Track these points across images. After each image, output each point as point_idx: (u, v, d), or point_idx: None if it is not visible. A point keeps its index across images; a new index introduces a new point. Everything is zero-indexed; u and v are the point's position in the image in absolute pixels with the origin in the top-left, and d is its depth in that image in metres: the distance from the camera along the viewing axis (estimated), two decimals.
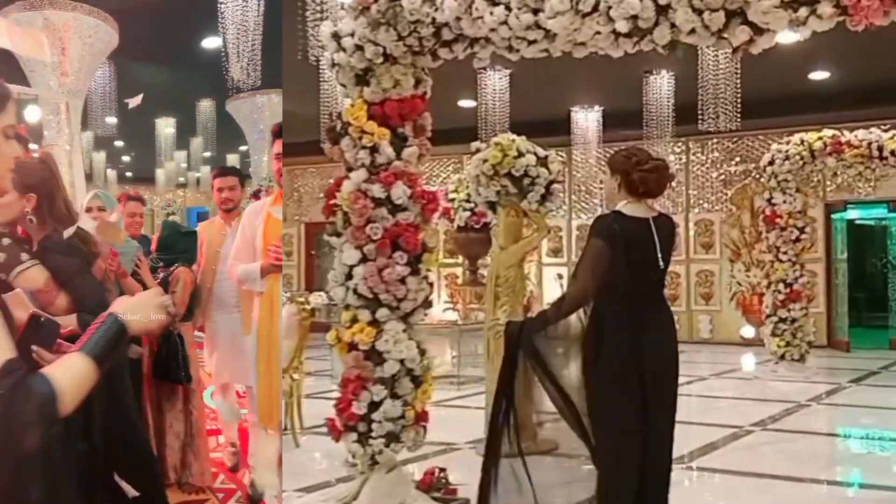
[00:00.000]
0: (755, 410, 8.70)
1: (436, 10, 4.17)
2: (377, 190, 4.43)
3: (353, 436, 4.60)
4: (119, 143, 21.16)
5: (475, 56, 4.44)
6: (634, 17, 4.00)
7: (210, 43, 12.97)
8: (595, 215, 11.16)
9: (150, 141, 19.34)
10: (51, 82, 12.60)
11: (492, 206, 6.98)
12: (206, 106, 17.17)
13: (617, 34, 4.11)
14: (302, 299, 6.63)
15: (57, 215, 3.56)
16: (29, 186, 3.53)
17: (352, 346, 4.54)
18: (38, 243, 3.51)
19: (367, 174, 4.45)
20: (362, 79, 4.41)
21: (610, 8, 4.00)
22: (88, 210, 4.57)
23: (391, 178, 4.44)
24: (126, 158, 23.80)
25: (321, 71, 8.26)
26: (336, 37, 4.36)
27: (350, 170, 4.48)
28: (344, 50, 4.34)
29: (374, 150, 4.44)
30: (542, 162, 6.74)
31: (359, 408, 4.54)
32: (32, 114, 10.92)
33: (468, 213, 9.60)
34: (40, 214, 3.54)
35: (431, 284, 4.81)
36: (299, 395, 6.70)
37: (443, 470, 5.24)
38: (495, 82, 11.66)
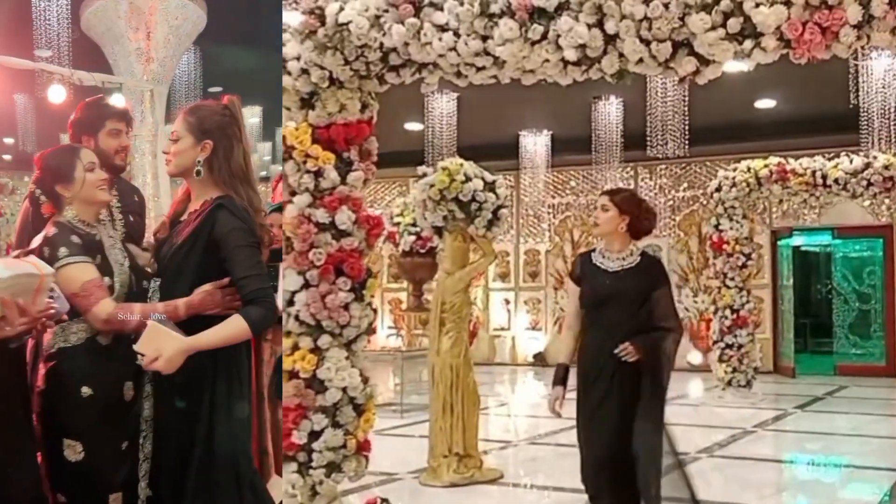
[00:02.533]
0: (702, 437, 8.83)
1: (383, 34, 4.20)
2: (321, 215, 4.44)
3: (293, 466, 4.57)
4: None
5: (423, 81, 4.48)
6: (583, 46, 4.07)
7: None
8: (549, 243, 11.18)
9: None
10: (135, 69, 12.33)
11: (438, 230, 7.01)
12: None
13: (566, 62, 4.17)
14: None
15: (234, 170, 3.35)
16: (206, 132, 3.34)
17: (292, 374, 4.52)
18: (211, 200, 3.29)
19: (311, 198, 4.46)
20: (307, 102, 4.42)
21: (559, 36, 4.07)
22: None
23: (336, 202, 4.45)
24: None
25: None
26: (282, 60, 4.37)
27: (293, 194, 4.48)
28: (289, 73, 4.35)
29: (318, 174, 4.45)
30: (490, 187, 6.79)
31: (299, 437, 4.52)
32: (117, 103, 10.74)
33: (413, 238, 9.64)
34: (213, 165, 3.33)
35: (375, 311, 4.81)
36: None
37: (385, 500, 5.23)
38: (443, 105, 11.74)
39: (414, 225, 9.19)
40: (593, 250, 4.65)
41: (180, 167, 3.38)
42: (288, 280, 4.48)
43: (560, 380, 4.66)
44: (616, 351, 4.38)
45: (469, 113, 11.80)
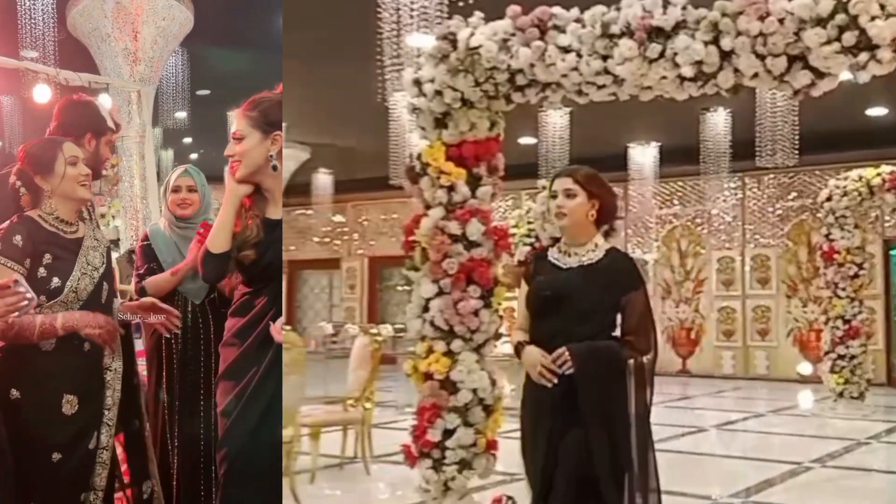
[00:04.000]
0: (814, 447, 8.78)
1: (511, 57, 4.45)
2: (453, 227, 4.71)
3: (428, 462, 4.84)
4: (187, 140, 20.27)
5: (546, 100, 4.71)
6: (699, 63, 4.23)
7: None
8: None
9: (222, 136, 17.79)
10: (122, 70, 12.14)
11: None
12: None
13: (682, 79, 4.34)
14: (375, 331, 6.90)
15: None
16: (272, 123, 3.21)
17: (427, 376, 4.80)
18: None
19: (445, 212, 4.73)
20: (441, 122, 4.70)
21: (676, 54, 4.24)
22: (176, 190, 4.11)
23: (467, 215, 4.71)
24: (194, 156, 22.43)
25: (390, 111, 8.60)
26: (417, 83, 4.66)
27: (428, 207, 4.76)
28: (424, 95, 4.64)
29: (451, 189, 4.73)
30: None
31: (434, 435, 4.79)
32: (104, 103, 10.62)
33: (528, 248, 9.84)
34: (280, 159, 3.20)
35: (502, 317, 5.05)
36: (370, 425, 6.95)
37: (510, 498, 5.43)
38: (556, 120, 11.94)
39: (528, 236, 9.40)
40: (553, 245, 3.82)
41: (251, 166, 3.20)
42: (423, 288, 4.77)
43: (524, 343, 3.72)
44: (552, 358, 3.48)
45: (580, 126, 11.96)
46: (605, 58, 4.38)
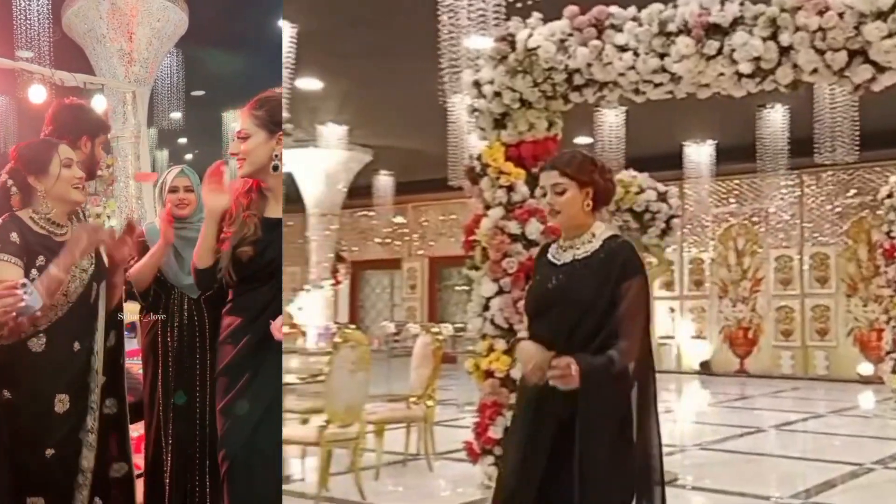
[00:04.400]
0: (875, 448, 8.63)
1: (568, 57, 4.48)
2: (513, 226, 4.75)
3: (490, 458, 4.88)
4: (182, 140, 19.95)
5: (603, 99, 4.73)
6: (757, 59, 4.22)
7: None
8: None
9: (216, 136, 17.47)
10: (117, 71, 12.10)
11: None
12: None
13: (740, 75, 4.34)
14: (436, 330, 6.95)
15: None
16: (278, 123, 3.21)
17: (488, 374, 4.84)
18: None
19: (504, 211, 4.77)
20: (500, 122, 4.75)
21: (733, 51, 4.23)
22: (174, 190, 4.02)
23: (526, 215, 4.75)
24: (189, 156, 22.00)
25: (449, 113, 8.66)
26: (477, 84, 4.72)
27: (488, 207, 4.81)
28: (484, 96, 4.69)
29: (510, 189, 4.77)
30: (662, 197, 6.94)
31: (495, 432, 4.83)
32: (99, 104, 10.15)
33: None
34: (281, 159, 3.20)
35: None
36: (432, 422, 7.00)
37: None
38: (612, 119, 11.89)
39: None
40: (556, 240, 3.32)
41: (256, 164, 3.19)
42: (484, 287, 4.82)
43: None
44: (554, 364, 2.92)
45: (635, 125, 11.90)
46: (662, 56, 4.39)
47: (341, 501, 5.91)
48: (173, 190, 4.00)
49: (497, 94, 4.65)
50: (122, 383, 3.49)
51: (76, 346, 3.15)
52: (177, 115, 14.85)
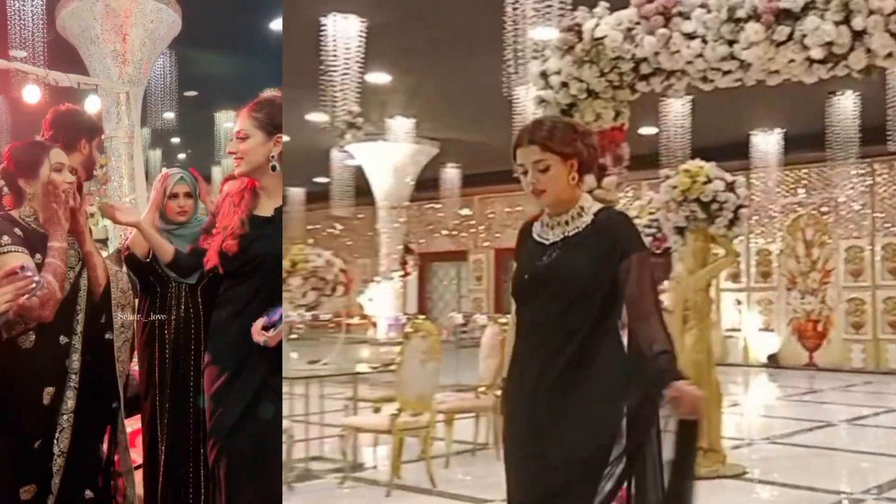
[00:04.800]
0: None
1: (635, 46, 4.41)
2: None
3: None
4: (175, 140, 19.82)
5: (671, 88, 4.64)
6: (829, 44, 4.11)
7: (278, 25, 12.02)
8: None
9: (209, 136, 17.72)
10: (111, 71, 11.96)
11: (680, 231, 7.09)
12: None
13: (811, 61, 4.23)
14: (504, 320, 6.93)
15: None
16: (277, 126, 3.24)
17: None
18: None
19: None
20: (566, 113, 4.69)
21: (804, 36, 4.12)
22: (174, 196, 4.06)
23: None
24: (182, 156, 22.02)
25: (514, 105, 8.62)
26: (543, 75, 4.67)
27: None
28: (551, 87, 4.64)
29: None
30: (730, 187, 6.81)
31: None
32: (93, 104, 10.22)
33: (650, 239, 9.68)
34: (281, 161, 3.25)
35: None
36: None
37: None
38: (677, 109, 11.71)
39: (649, 226, 9.25)
40: (537, 218, 2.95)
41: (252, 164, 3.24)
42: None
43: None
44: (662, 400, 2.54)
45: (701, 114, 11.71)
46: (730, 43, 4.30)
47: (412, 489, 5.93)
48: (173, 196, 4.06)
49: (564, 85, 4.59)
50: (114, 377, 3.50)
51: (62, 339, 3.20)
52: (170, 115, 14.85)
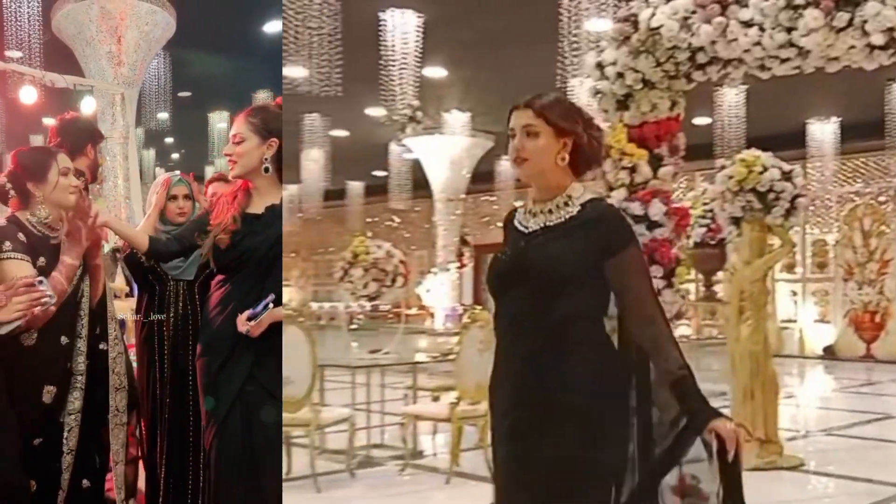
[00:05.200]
0: None
1: (692, 35, 4.31)
2: (636, 207, 4.61)
3: None
4: (169, 140, 20.01)
5: (727, 77, 4.53)
6: (890, 30, 3.97)
7: (271, 28, 12.10)
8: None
9: (203, 136, 17.74)
10: (106, 72, 12.12)
11: (736, 221, 6.94)
12: (263, 98, 14.43)
13: (872, 47, 4.09)
14: None
15: (280, 169, 3.37)
16: (271, 131, 3.31)
17: None
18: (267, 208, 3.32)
19: (627, 193, 4.63)
20: (622, 104, 4.61)
21: (865, 22, 4.00)
22: (173, 199, 4.13)
23: (649, 196, 4.60)
24: (175, 156, 22.31)
25: (567, 96, 8.52)
26: (599, 66, 4.59)
27: (611, 189, 4.67)
28: (606, 78, 4.55)
29: (632, 170, 4.62)
30: (787, 176, 6.65)
31: None
32: (88, 105, 10.31)
33: (704, 230, 9.53)
34: (280, 162, 3.33)
35: (684, 297, 4.90)
36: None
37: (694, 477, 5.28)
38: (731, 98, 11.50)
39: (703, 217, 9.10)
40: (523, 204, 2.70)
41: (246, 167, 3.32)
42: None
43: None
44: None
45: (756, 103, 11.47)
46: (789, 30, 4.18)
47: (471, 476, 5.87)
48: (173, 198, 4.13)
49: (619, 76, 4.51)
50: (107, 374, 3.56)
51: (63, 339, 3.25)
52: (164, 116, 14.99)
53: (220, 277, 3.43)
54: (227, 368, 3.31)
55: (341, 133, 15.29)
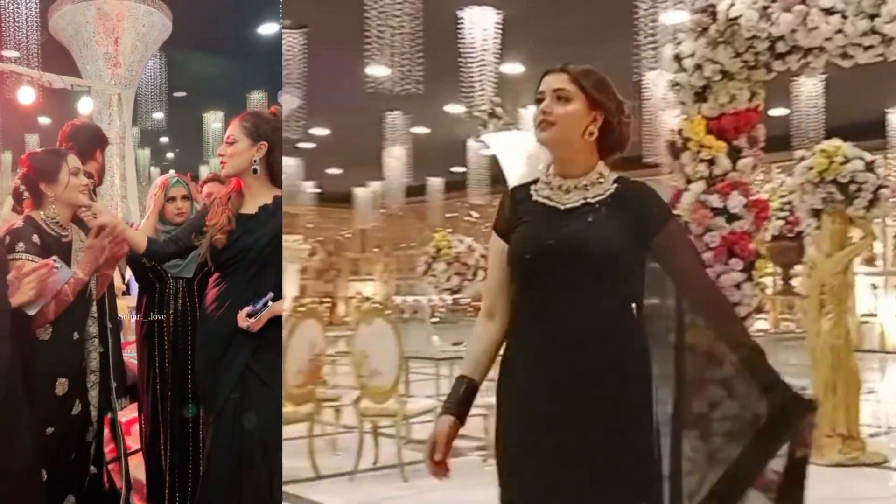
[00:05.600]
0: None
1: (771, 24, 4.15)
2: (715, 200, 4.47)
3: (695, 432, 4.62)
4: (164, 139, 19.98)
5: (808, 66, 4.36)
6: None
7: (267, 29, 12.01)
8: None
9: (198, 136, 17.79)
10: (103, 73, 12.20)
11: (816, 213, 6.71)
12: (257, 98, 14.84)
13: None
14: None
15: (277, 168, 3.50)
16: (262, 135, 3.43)
17: (691, 348, 4.57)
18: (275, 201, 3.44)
19: (706, 185, 4.49)
20: (701, 96, 4.47)
21: None
22: (172, 199, 4.22)
23: (728, 188, 4.46)
24: (170, 155, 22.24)
25: (643, 90, 8.38)
26: (677, 58, 4.46)
27: (689, 182, 4.54)
28: (684, 70, 4.42)
29: (711, 162, 4.48)
30: (869, 166, 6.41)
31: (699, 406, 4.56)
32: (85, 105, 10.37)
33: (782, 222, 9.27)
34: (268, 164, 3.45)
35: (764, 290, 4.74)
36: None
37: (775, 472, 5.11)
38: (809, 88, 11.16)
39: (782, 209, 8.84)
40: (536, 180, 2.41)
41: (236, 168, 3.45)
42: None
43: (455, 405, 2.46)
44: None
45: (834, 93, 11.10)
46: (872, 17, 3.98)
47: None
48: (171, 199, 4.22)
49: (698, 67, 4.37)
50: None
51: (75, 335, 3.39)
52: (159, 116, 15.03)
53: (217, 275, 3.55)
54: (224, 362, 3.41)
55: (422, 130, 15.33)
